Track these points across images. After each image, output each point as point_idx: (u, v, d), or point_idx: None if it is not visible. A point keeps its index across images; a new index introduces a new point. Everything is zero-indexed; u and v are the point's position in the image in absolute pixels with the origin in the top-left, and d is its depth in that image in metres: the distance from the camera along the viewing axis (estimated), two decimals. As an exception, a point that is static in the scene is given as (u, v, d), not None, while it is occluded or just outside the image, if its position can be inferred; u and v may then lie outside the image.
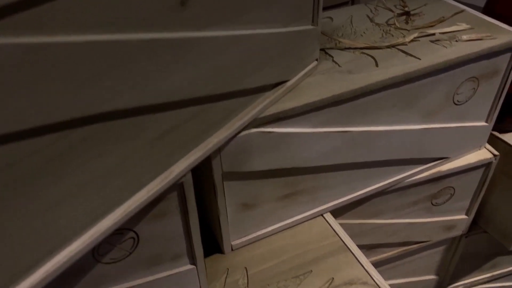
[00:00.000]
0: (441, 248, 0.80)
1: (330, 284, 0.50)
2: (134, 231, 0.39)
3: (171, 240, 0.42)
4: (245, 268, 0.52)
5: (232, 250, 0.54)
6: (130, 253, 0.40)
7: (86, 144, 0.28)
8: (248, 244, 0.54)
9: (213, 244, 0.54)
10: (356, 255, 0.53)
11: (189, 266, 0.46)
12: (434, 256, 0.81)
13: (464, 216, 0.73)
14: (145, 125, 0.32)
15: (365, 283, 0.50)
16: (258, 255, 0.53)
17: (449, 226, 0.73)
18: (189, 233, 0.43)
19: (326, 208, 0.57)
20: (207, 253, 0.53)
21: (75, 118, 0.26)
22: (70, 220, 0.29)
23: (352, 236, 0.55)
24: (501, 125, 0.69)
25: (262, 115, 0.43)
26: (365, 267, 0.51)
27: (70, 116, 0.26)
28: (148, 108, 0.31)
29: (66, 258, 0.29)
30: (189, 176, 0.39)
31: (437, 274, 0.85)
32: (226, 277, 0.51)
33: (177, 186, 0.39)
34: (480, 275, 0.90)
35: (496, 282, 0.95)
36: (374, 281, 0.50)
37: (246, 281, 0.51)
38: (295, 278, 0.51)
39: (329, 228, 0.56)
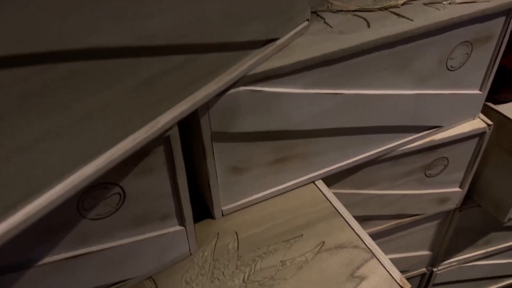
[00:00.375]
0: (435, 222, 0.79)
1: (320, 247, 0.50)
2: (120, 186, 0.38)
3: (159, 198, 0.42)
4: (236, 232, 0.52)
5: (222, 215, 0.53)
6: (117, 210, 0.40)
7: (65, 83, 0.27)
8: (239, 210, 0.54)
9: (203, 210, 0.54)
10: (347, 220, 0.52)
11: (178, 227, 0.46)
12: (428, 230, 0.81)
13: (457, 189, 0.73)
14: (128, 69, 0.31)
15: (356, 246, 0.50)
16: (248, 220, 0.53)
17: (443, 198, 0.73)
18: (177, 192, 0.43)
19: (318, 175, 0.57)
20: (198, 218, 0.53)
21: (52, 51, 0.26)
22: (50, 163, 0.29)
23: (345, 207, 0.55)
24: (495, 96, 0.69)
25: (251, 72, 0.43)
26: (356, 231, 0.51)
27: (47, 48, 0.25)
28: (131, 51, 0.30)
29: (46, 202, 0.29)
30: (176, 130, 0.38)
31: (431, 250, 0.85)
32: (216, 241, 0.51)
33: (163, 140, 0.38)
34: (474, 251, 0.90)
35: (490, 259, 0.95)
36: (365, 244, 0.50)
37: (236, 245, 0.50)
38: (285, 242, 0.50)
39: (320, 194, 0.56)
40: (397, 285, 0.46)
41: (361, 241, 0.50)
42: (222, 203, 0.52)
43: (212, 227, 0.52)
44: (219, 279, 0.47)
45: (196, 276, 0.47)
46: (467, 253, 0.90)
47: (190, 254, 0.49)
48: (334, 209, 0.54)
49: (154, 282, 0.47)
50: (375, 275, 0.47)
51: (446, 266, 0.90)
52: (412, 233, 0.79)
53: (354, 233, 0.51)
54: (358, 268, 0.47)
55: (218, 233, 0.52)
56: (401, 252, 0.82)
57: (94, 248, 0.41)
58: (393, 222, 0.73)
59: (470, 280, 0.99)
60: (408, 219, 0.74)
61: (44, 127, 0.28)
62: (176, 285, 0.46)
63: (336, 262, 0.48)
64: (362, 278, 0.47)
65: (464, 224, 0.81)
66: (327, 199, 0.55)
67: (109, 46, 0.29)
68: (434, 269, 0.89)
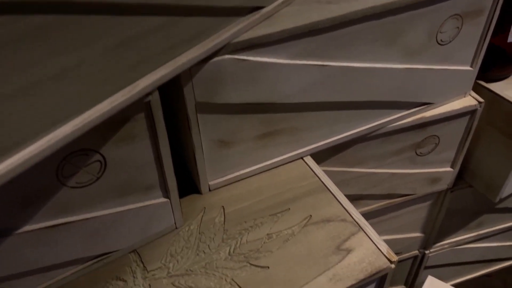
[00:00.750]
0: (427, 203, 0.79)
1: (307, 221, 0.49)
2: (101, 154, 0.38)
3: (142, 168, 0.41)
4: (222, 207, 0.51)
5: (209, 190, 0.53)
6: (98, 178, 0.39)
7: (39, 36, 0.27)
8: (226, 185, 0.53)
9: (190, 185, 0.53)
10: (335, 195, 0.52)
11: (163, 199, 0.45)
12: (420, 212, 0.80)
13: (449, 169, 0.73)
14: (105, 27, 0.30)
15: (343, 220, 0.49)
16: (236, 195, 0.52)
17: (434, 178, 0.73)
18: (161, 162, 0.42)
19: (307, 150, 0.56)
20: (184, 194, 0.52)
21: (26, 1, 0.25)
22: (24, 121, 0.28)
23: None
24: (487, 74, 0.68)
25: (236, 40, 0.42)
26: (344, 206, 0.51)
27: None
28: (109, 8, 0.30)
29: (20, 161, 0.28)
30: (157, 96, 0.38)
31: (423, 232, 0.85)
32: (202, 215, 0.50)
33: (144, 106, 0.37)
34: (466, 233, 0.90)
35: (482, 242, 0.95)
36: (352, 218, 0.49)
37: (223, 219, 0.50)
38: (272, 215, 0.50)
39: (309, 170, 0.55)
40: (384, 258, 0.45)
41: (348, 215, 0.50)
42: (209, 178, 0.52)
43: (199, 201, 0.52)
44: (204, 252, 0.46)
45: (182, 249, 0.47)
46: (459, 236, 0.90)
47: (176, 228, 0.49)
48: (322, 184, 0.53)
49: (139, 255, 0.46)
50: (362, 247, 0.46)
51: (438, 248, 0.90)
52: (403, 214, 0.79)
53: (341, 207, 0.51)
54: (345, 241, 0.47)
55: (205, 208, 0.51)
56: (392, 234, 0.82)
57: (75, 218, 0.40)
58: (384, 202, 0.73)
59: (462, 264, 0.99)
60: (399, 199, 0.74)
61: (17, 82, 0.27)
62: (161, 258, 0.46)
63: (323, 235, 0.48)
64: (349, 251, 0.46)
65: (456, 206, 0.81)
66: (315, 174, 0.54)
67: (85, 1, 0.28)
68: (426, 252, 0.89)
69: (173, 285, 0.44)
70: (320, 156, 0.59)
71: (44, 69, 0.28)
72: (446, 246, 0.90)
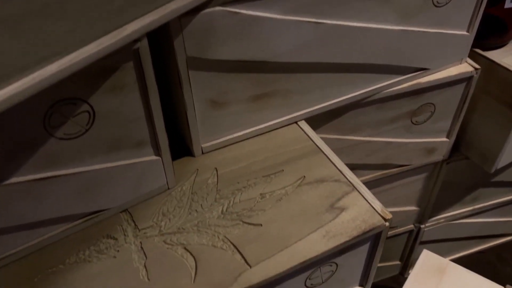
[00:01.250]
0: (422, 175, 0.79)
1: (301, 181, 0.49)
2: (89, 104, 0.37)
3: (131, 122, 0.41)
4: (215, 168, 0.50)
5: (202, 153, 0.52)
6: (87, 130, 0.38)
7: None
8: (220, 148, 0.53)
9: (183, 149, 0.53)
10: (329, 157, 0.51)
11: (154, 157, 0.45)
12: (415, 184, 0.80)
13: (445, 139, 0.72)
14: (89, -37, 0.29)
15: (337, 180, 0.49)
16: (229, 158, 0.52)
17: (430, 149, 0.72)
18: (151, 116, 0.41)
19: (301, 115, 0.56)
20: (177, 157, 0.52)
21: None
22: (9, 54, 0.27)
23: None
24: (483, 42, 0.67)
25: (227, -8, 0.41)
26: (338, 167, 0.50)
27: None
28: None
29: (4, 97, 0.27)
30: (145, 43, 0.37)
31: (418, 205, 0.85)
32: (195, 177, 0.50)
33: (132, 54, 0.37)
34: (462, 208, 0.90)
35: (478, 217, 0.95)
36: (346, 178, 0.49)
37: (216, 180, 0.49)
38: (265, 176, 0.49)
39: (303, 134, 0.55)
40: (378, 215, 0.45)
41: (342, 176, 0.49)
42: (202, 140, 0.51)
43: (192, 164, 0.51)
44: (197, 211, 0.46)
45: (174, 209, 0.46)
46: (455, 210, 0.90)
47: (168, 188, 0.48)
48: (316, 147, 0.53)
49: (130, 214, 0.46)
50: (356, 206, 0.46)
51: (433, 223, 0.90)
52: (398, 186, 0.79)
53: (335, 168, 0.50)
54: (339, 200, 0.47)
55: (198, 169, 0.50)
56: (387, 207, 0.81)
57: (64, 171, 0.39)
58: (379, 173, 0.73)
59: (458, 239, 0.99)
60: (394, 169, 0.73)
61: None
62: (152, 217, 0.45)
63: (316, 194, 0.47)
64: (342, 209, 0.46)
65: (452, 178, 0.81)
66: (310, 138, 0.54)
67: None
68: (422, 226, 0.89)
69: (165, 242, 0.43)
70: (315, 122, 0.58)
71: (27, 3, 0.27)
72: (441, 220, 0.90)
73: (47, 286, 0.40)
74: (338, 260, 0.46)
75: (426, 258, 0.84)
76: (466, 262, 0.92)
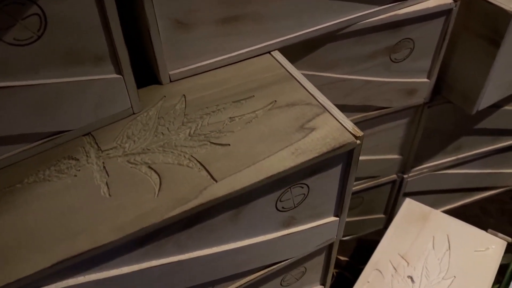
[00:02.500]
0: (404, 120, 0.78)
1: (272, 105, 0.47)
2: (38, 6, 0.35)
3: (87, 32, 0.38)
4: (184, 95, 0.49)
5: (170, 81, 0.50)
6: (39, 37, 0.36)
7: None
8: (189, 77, 0.51)
9: (150, 78, 0.51)
10: (301, 82, 0.50)
11: (115, 75, 0.43)
12: (397, 130, 0.79)
13: (425, 80, 0.71)
14: None
15: (308, 103, 0.47)
16: (198, 85, 0.50)
17: (410, 90, 0.71)
18: (108, 28, 0.39)
19: (274, 44, 0.54)
20: (143, 85, 0.50)
21: None
22: None
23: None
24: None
25: None
26: (310, 91, 0.49)
27: None
28: None
29: None
30: None
31: (400, 154, 0.84)
32: (162, 103, 0.48)
33: (83, -50, 0.35)
34: (445, 158, 0.90)
35: (461, 168, 0.94)
36: (318, 101, 0.47)
37: (183, 106, 0.48)
38: (235, 102, 0.48)
39: (276, 63, 0.53)
40: (349, 133, 0.44)
41: (314, 99, 0.48)
42: (169, 66, 0.49)
43: (159, 91, 0.49)
44: (163, 134, 0.44)
45: (139, 132, 0.45)
46: (438, 160, 0.89)
47: (133, 113, 0.46)
48: (288, 74, 0.51)
49: (93, 137, 0.44)
50: (326, 126, 0.45)
51: (416, 172, 0.89)
52: (380, 132, 0.77)
53: (307, 92, 0.49)
54: (309, 121, 0.45)
55: (165, 96, 0.49)
56: (369, 155, 0.81)
57: (17, 82, 0.37)
58: (359, 115, 0.71)
59: (441, 192, 0.98)
60: (375, 112, 0.72)
61: None
62: (116, 139, 0.44)
63: (287, 117, 0.46)
64: (313, 129, 0.44)
65: (434, 125, 0.80)
66: (282, 65, 0.52)
67: None
68: (405, 176, 0.88)
69: (128, 162, 0.42)
70: (290, 56, 0.56)
71: None
72: (425, 170, 0.90)
73: (3, 204, 0.38)
74: (309, 181, 0.45)
75: (409, 206, 0.84)
76: (450, 215, 0.92)
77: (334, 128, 0.44)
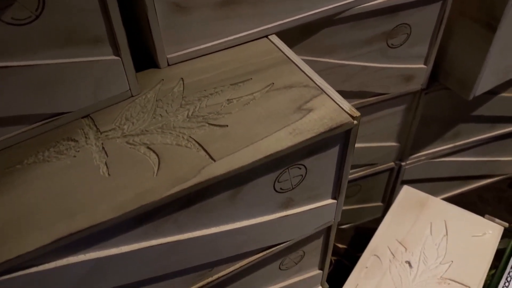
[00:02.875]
0: (401, 107, 0.78)
1: (269, 88, 0.47)
2: (36, -16, 0.35)
3: (85, 13, 0.38)
4: (181, 78, 0.49)
5: (168, 65, 0.51)
6: (37, 17, 0.36)
7: None
8: (187, 60, 0.51)
9: (148, 62, 0.51)
10: (299, 66, 0.50)
11: (113, 57, 0.43)
12: (394, 117, 0.79)
13: (422, 65, 0.71)
14: None
15: (306, 86, 0.48)
16: (196, 69, 0.50)
17: (407, 76, 0.71)
18: (106, 8, 0.39)
19: (272, 27, 0.54)
20: (142, 69, 0.50)
21: None
22: None
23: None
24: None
25: None
26: (308, 74, 0.49)
27: None
28: None
29: None
30: None
31: (398, 141, 0.84)
32: (160, 86, 0.48)
33: None
34: (442, 145, 0.90)
35: (459, 156, 0.95)
36: (315, 84, 0.48)
37: (182, 88, 0.48)
38: (233, 85, 0.48)
39: (273, 47, 0.53)
40: (346, 114, 0.44)
41: (311, 81, 0.48)
42: (167, 50, 0.49)
43: (157, 74, 0.50)
44: (161, 116, 0.45)
45: (137, 114, 0.45)
46: (436, 147, 0.90)
47: (132, 96, 0.47)
48: (286, 57, 0.51)
49: (92, 119, 0.44)
50: (324, 107, 0.45)
51: (414, 160, 0.89)
52: (377, 119, 0.78)
53: (305, 75, 0.49)
54: (307, 102, 0.45)
55: (163, 79, 0.49)
56: (367, 142, 0.81)
57: (16, 62, 0.37)
58: (356, 102, 0.72)
59: (439, 180, 0.99)
60: (372, 98, 0.72)
61: None
62: (115, 121, 0.44)
63: (285, 98, 0.46)
64: (310, 110, 0.45)
65: (431, 111, 0.80)
66: (280, 49, 0.52)
67: None
68: (402, 164, 0.89)
69: (127, 143, 0.42)
70: (288, 40, 0.57)
71: None
72: (422, 158, 0.90)
73: (2, 185, 0.38)
74: (306, 162, 0.45)
75: (407, 193, 0.84)
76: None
77: (331, 109, 0.45)
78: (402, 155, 0.88)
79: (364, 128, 0.78)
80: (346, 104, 0.45)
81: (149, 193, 0.38)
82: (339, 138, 0.45)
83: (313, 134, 0.42)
